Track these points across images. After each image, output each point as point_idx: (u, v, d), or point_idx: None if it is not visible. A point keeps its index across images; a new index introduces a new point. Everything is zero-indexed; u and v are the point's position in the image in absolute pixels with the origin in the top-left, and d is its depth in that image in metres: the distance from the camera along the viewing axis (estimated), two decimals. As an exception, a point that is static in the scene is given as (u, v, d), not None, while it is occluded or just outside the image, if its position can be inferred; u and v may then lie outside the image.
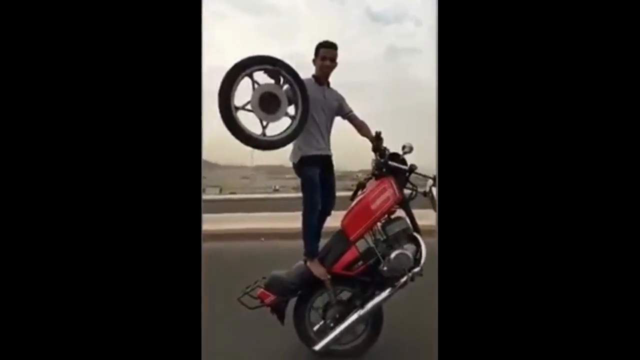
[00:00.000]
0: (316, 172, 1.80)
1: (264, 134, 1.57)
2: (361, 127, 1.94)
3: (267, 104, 1.54)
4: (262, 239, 4.50)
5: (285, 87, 1.61)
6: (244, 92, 1.51)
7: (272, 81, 1.58)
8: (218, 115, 1.47)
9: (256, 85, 1.53)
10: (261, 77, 1.55)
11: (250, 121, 1.54)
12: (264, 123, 1.56)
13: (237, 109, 1.49)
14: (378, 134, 1.87)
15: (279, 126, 1.63)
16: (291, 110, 1.67)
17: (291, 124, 1.65)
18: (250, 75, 1.51)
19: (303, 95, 1.65)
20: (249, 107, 1.52)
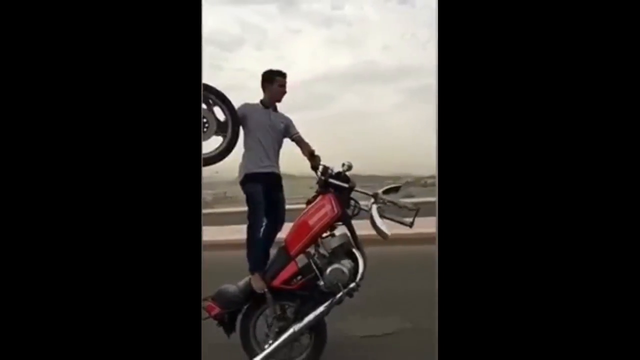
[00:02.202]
0: (259, 189, 1.88)
1: None
2: (304, 148, 2.02)
3: None
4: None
5: (216, 109, 1.77)
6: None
7: (203, 106, 1.75)
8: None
9: None
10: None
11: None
12: None
13: None
14: (311, 153, 1.95)
15: (212, 144, 1.80)
16: (223, 128, 1.84)
17: (223, 142, 1.80)
18: None
19: (232, 115, 1.82)
20: None
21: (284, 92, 2.03)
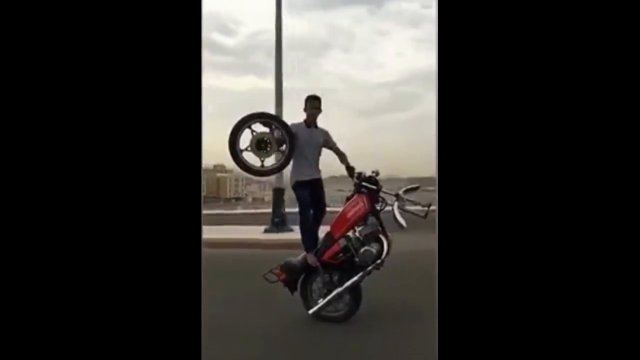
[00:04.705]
0: (306, 193, 2.53)
1: (262, 166, 2.43)
2: (342, 158, 2.62)
3: (261, 146, 2.39)
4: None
5: (277, 132, 2.40)
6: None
7: (266, 129, 2.40)
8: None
9: (254, 133, 2.37)
10: (258, 127, 2.39)
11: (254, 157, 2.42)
12: (261, 159, 2.40)
13: (241, 151, 2.37)
14: (347, 165, 2.57)
15: (273, 159, 2.45)
16: (283, 147, 2.47)
17: (282, 157, 2.45)
18: (250, 127, 2.37)
19: (290, 136, 2.43)
20: (249, 149, 2.38)
21: (319, 112, 2.59)
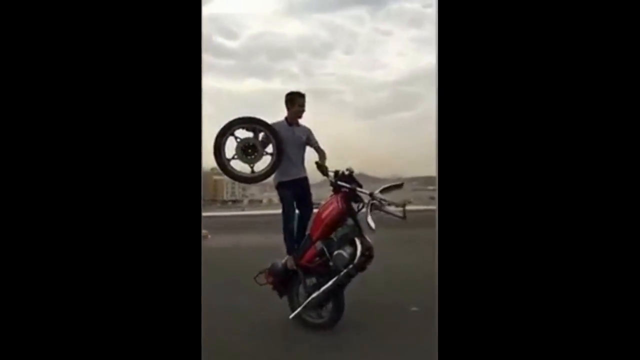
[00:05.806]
0: (289, 193, 2.48)
1: (252, 172, 2.37)
2: (320, 156, 2.56)
3: (248, 151, 2.32)
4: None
5: (261, 134, 2.34)
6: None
7: (250, 134, 2.33)
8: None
9: (238, 140, 2.30)
10: (242, 133, 2.33)
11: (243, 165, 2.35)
12: (251, 165, 2.33)
13: (228, 160, 2.29)
14: (317, 164, 2.49)
15: (263, 163, 2.37)
16: (269, 149, 2.39)
17: (271, 160, 2.38)
18: (233, 134, 2.30)
19: (275, 137, 2.36)
20: (236, 157, 2.31)
21: (303, 111, 2.52)
